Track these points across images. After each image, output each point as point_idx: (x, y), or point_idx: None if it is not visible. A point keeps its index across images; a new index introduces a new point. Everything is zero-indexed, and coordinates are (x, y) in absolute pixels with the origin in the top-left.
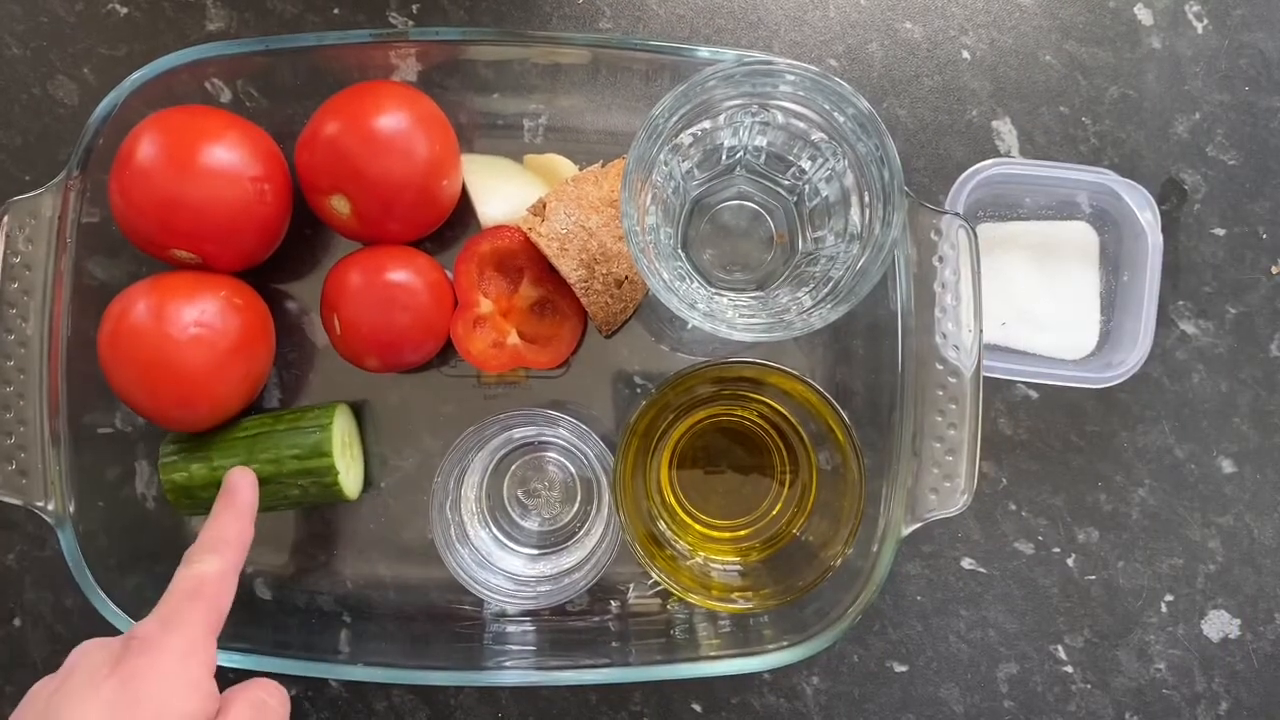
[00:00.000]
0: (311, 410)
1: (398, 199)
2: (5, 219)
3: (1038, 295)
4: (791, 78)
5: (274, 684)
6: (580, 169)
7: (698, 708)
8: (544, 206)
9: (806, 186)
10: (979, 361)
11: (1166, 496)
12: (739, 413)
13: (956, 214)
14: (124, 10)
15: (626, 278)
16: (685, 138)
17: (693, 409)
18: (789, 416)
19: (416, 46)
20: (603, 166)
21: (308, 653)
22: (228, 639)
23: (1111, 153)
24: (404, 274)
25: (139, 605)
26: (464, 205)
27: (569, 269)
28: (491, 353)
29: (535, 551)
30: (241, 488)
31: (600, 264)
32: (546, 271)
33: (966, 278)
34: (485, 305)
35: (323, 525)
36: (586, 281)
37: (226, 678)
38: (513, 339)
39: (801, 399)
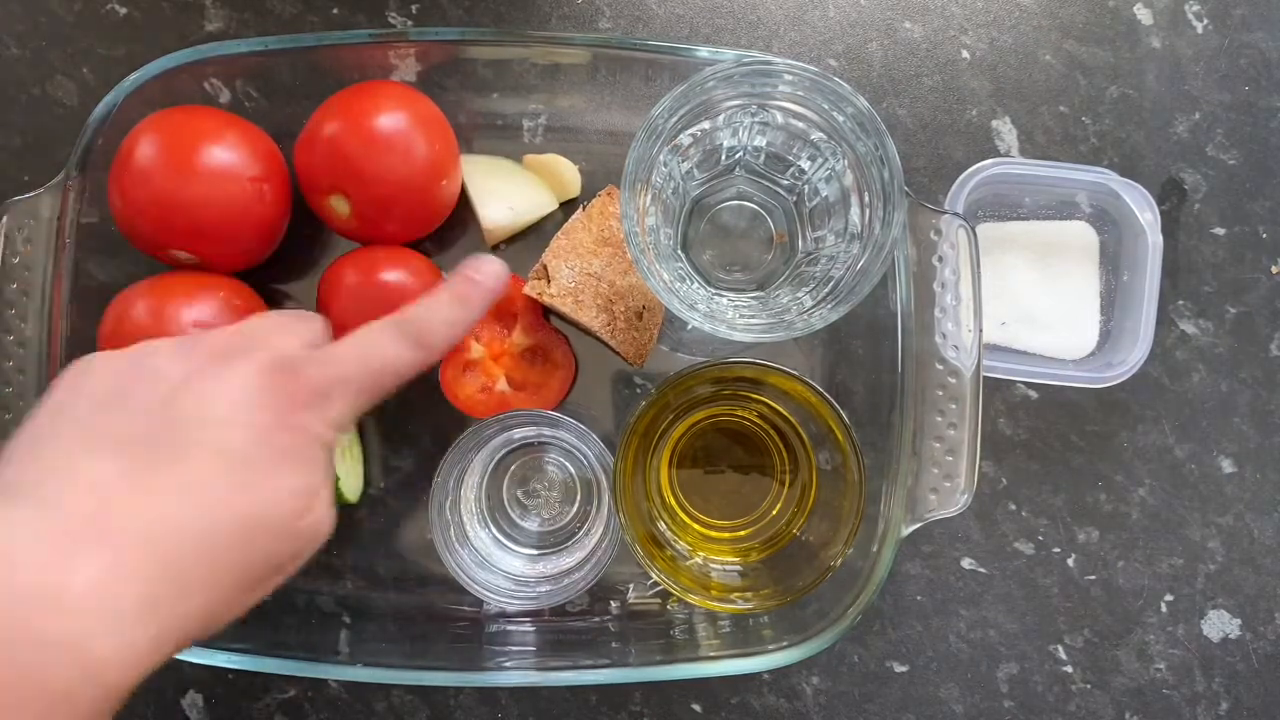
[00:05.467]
0: None
1: (397, 199)
2: (4, 220)
3: (1038, 295)
4: (790, 78)
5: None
6: (578, 168)
7: (698, 708)
8: (544, 269)
9: (806, 186)
10: (979, 361)
11: (1166, 496)
12: (739, 413)
13: (956, 214)
14: (123, 10)
15: (644, 306)
16: (685, 138)
17: (692, 409)
18: (789, 416)
19: (415, 46)
20: (584, 210)
21: (307, 653)
22: (227, 639)
23: (1111, 152)
24: (398, 274)
25: None
26: (464, 206)
27: (590, 318)
28: (479, 398)
29: (535, 552)
30: (488, 273)
31: (617, 302)
32: (540, 322)
33: (966, 278)
34: (476, 350)
35: None
36: (610, 324)
37: (226, 678)
38: (501, 385)
39: (801, 399)
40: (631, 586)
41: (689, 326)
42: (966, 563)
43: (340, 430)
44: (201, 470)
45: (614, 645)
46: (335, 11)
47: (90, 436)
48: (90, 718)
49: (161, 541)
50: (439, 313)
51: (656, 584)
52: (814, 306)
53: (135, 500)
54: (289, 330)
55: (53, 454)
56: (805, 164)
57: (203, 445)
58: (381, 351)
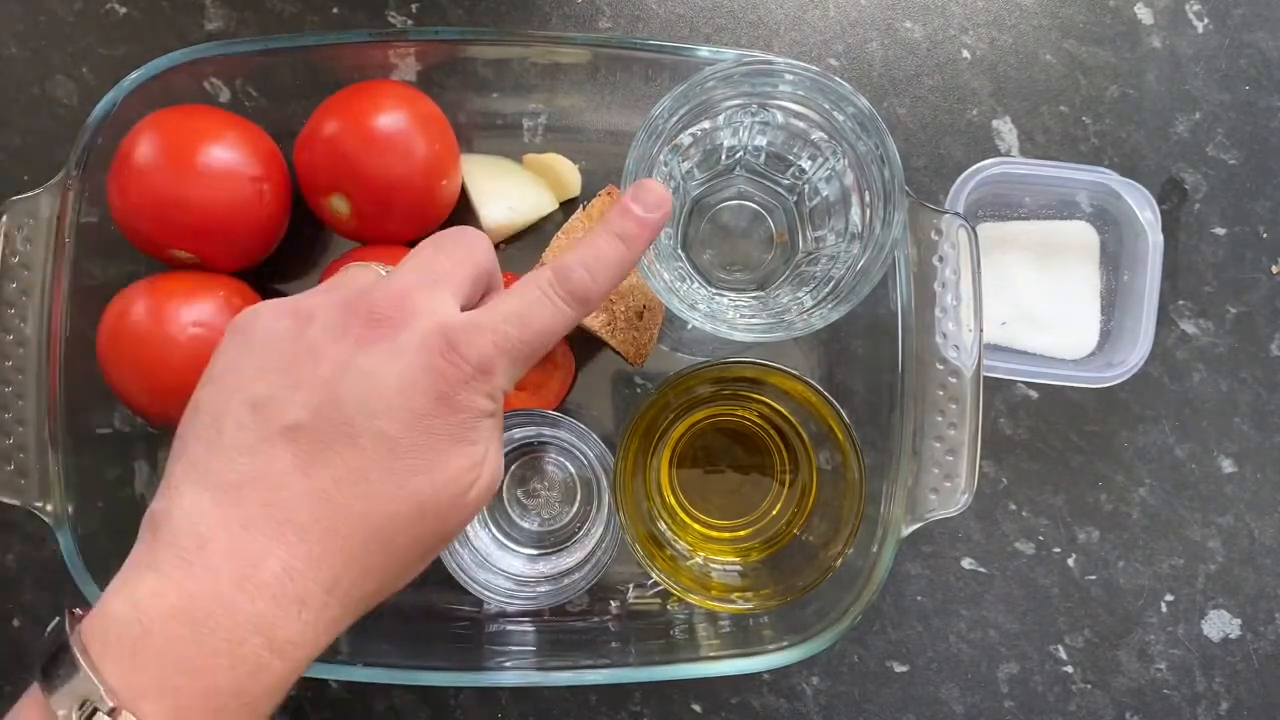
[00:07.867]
0: None
1: (397, 199)
2: (4, 219)
3: (1038, 295)
4: (791, 77)
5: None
6: (578, 168)
7: (698, 708)
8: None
9: (806, 186)
10: (979, 361)
11: (1166, 496)
12: (739, 413)
13: (957, 213)
14: (123, 10)
15: (644, 306)
16: (685, 138)
17: (693, 409)
18: (789, 416)
19: (416, 46)
20: (584, 210)
21: None
22: None
23: (1112, 152)
24: None
25: None
26: (464, 205)
27: (590, 318)
28: None
29: (535, 552)
30: (650, 202)
31: (617, 302)
32: None
33: (967, 277)
34: None
35: None
36: (610, 324)
37: None
38: None
39: (801, 399)
40: (631, 586)
41: (689, 326)
42: (966, 563)
43: (504, 395)
44: (369, 459)
45: (614, 645)
46: (335, 11)
47: (263, 422)
48: (278, 683)
49: (341, 532)
50: (602, 256)
51: (656, 584)
52: (814, 306)
53: (311, 492)
54: (446, 284)
55: (231, 437)
56: (806, 163)
57: (369, 434)
58: (542, 313)
